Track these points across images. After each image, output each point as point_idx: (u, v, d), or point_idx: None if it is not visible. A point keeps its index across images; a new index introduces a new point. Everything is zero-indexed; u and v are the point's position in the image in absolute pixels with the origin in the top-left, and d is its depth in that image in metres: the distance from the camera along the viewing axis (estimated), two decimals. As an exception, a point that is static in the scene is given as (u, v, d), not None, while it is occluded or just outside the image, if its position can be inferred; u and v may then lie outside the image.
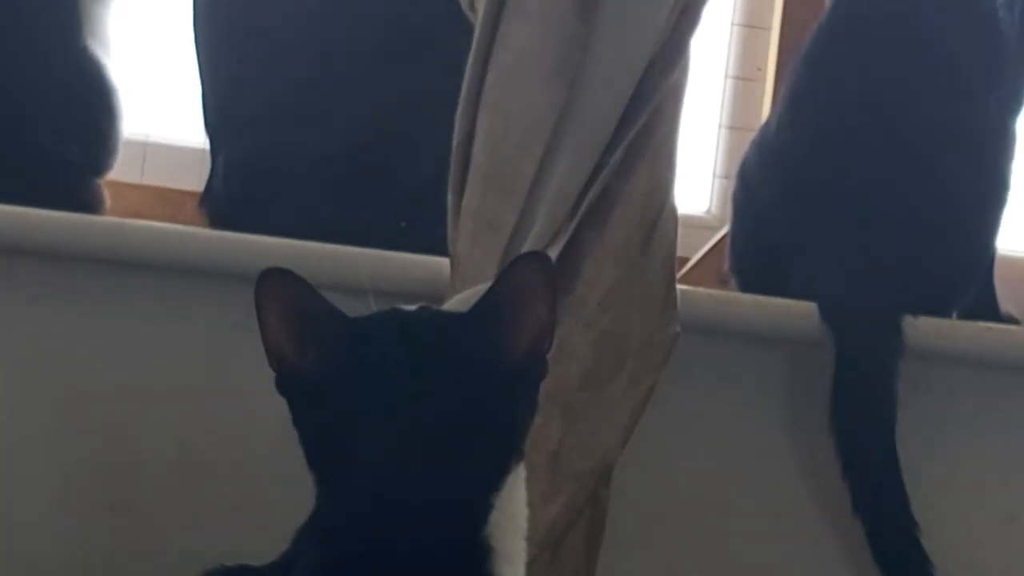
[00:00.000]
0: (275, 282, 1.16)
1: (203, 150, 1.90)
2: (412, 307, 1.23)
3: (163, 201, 2.00)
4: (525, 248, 1.50)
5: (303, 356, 1.16)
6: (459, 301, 1.49)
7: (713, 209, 2.25)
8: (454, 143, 1.54)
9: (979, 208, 1.81)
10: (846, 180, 1.76)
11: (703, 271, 2.05)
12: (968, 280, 1.81)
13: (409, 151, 1.72)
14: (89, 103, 1.80)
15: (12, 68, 1.74)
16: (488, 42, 1.54)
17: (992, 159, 1.80)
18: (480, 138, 1.53)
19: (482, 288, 1.48)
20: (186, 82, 1.91)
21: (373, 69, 1.73)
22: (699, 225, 2.13)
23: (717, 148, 2.25)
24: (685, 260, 2.01)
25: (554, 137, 1.52)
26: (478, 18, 1.55)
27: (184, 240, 1.68)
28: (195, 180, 1.91)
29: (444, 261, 1.56)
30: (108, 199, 1.82)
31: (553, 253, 1.49)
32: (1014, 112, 1.85)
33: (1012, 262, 2.02)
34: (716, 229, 2.11)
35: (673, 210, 1.59)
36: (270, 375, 1.57)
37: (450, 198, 1.55)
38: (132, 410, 1.69)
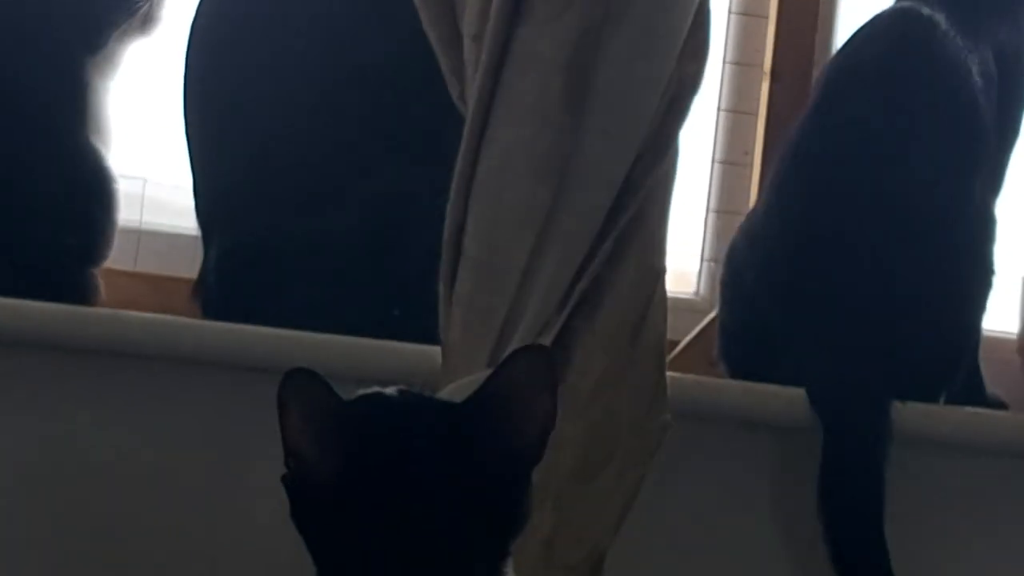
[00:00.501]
0: (299, 383, 1.17)
1: (196, 237, 1.92)
2: (391, 389, 1.24)
3: (156, 289, 2.01)
4: (516, 337, 1.52)
5: (318, 455, 1.18)
6: (454, 390, 1.50)
7: (702, 292, 2.26)
8: (445, 233, 1.56)
9: (964, 291, 1.83)
10: (832, 266, 1.78)
11: (693, 354, 2.06)
12: (955, 364, 1.83)
13: (400, 241, 1.74)
14: (88, 195, 1.82)
15: (15, 160, 1.77)
16: (479, 133, 1.56)
17: (975, 242, 1.84)
18: (471, 229, 1.55)
19: (477, 377, 1.49)
20: (179, 169, 1.93)
21: (363, 160, 1.75)
22: (688, 308, 2.14)
23: (705, 232, 2.27)
24: (675, 343, 2.02)
25: (544, 227, 1.53)
26: (468, 110, 1.57)
27: (177, 331, 1.70)
28: (188, 267, 1.93)
29: (436, 350, 1.57)
30: (102, 288, 1.84)
31: (545, 343, 1.51)
32: (994, 195, 1.89)
33: (998, 342, 2.03)
34: (705, 312, 2.11)
35: (663, 298, 1.60)
36: (264, 464, 1.58)
37: (441, 288, 1.57)
38: (127, 499, 1.70)
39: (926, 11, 1.86)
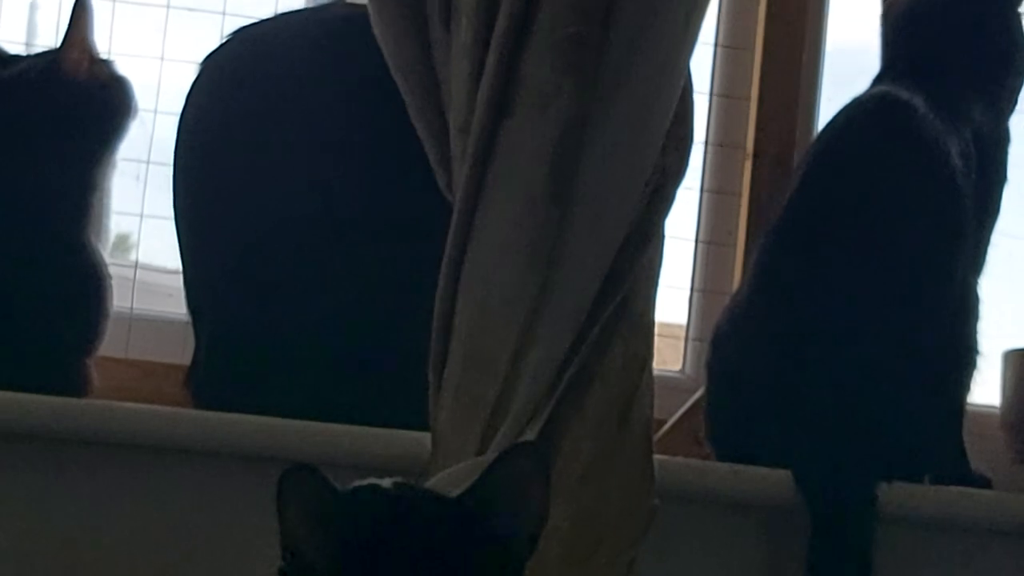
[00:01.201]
0: (297, 480, 1.19)
1: (186, 323, 1.94)
2: (387, 482, 1.26)
3: (147, 375, 2.04)
4: (506, 424, 1.53)
5: (315, 549, 1.19)
6: (444, 477, 1.52)
7: (688, 371, 2.28)
8: (434, 321, 1.57)
9: (947, 371, 1.85)
10: (816, 348, 1.80)
11: (680, 433, 2.08)
12: (939, 443, 1.86)
13: (390, 328, 1.76)
14: (84, 290, 1.88)
15: (18, 256, 1.82)
16: (467, 222, 1.57)
17: (958, 321, 1.86)
18: (460, 316, 1.57)
19: (467, 465, 1.51)
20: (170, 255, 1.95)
21: (354, 248, 1.77)
22: (674, 387, 2.15)
23: (691, 311, 2.29)
24: (661, 423, 2.04)
25: (532, 316, 1.55)
26: (456, 200, 1.59)
27: (169, 421, 1.73)
28: (178, 352, 1.95)
29: (426, 436, 1.58)
30: (95, 376, 1.87)
31: (534, 429, 1.53)
32: (976, 274, 1.91)
33: (982, 417, 2.03)
34: (691, 391, 2.13)
35: (649, 383, 1.62)
36: (256, 552, 1.59)
37: (431, 375, 1.58)
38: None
39: (905, 95, 1.89)
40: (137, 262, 2.18)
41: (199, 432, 1.71)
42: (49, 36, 2.12)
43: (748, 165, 2.28)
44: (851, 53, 2.33)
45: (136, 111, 1.96)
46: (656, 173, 1.60)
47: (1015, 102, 2.02)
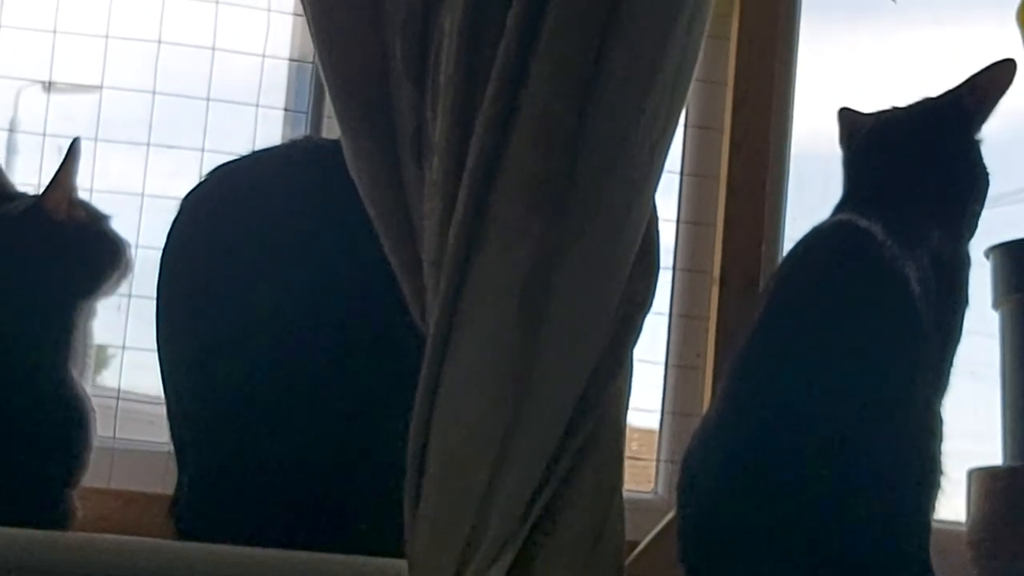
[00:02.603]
0: None
1: (168, 453, 1.97)
2: None
3: (130, 504, 2.07)
4: (481, 551, 1.56)
5: None
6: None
7: (659, 492, 2.32)
8: (409, 452, 1.61)
9: (912, 491, 1.87)
10: (783, 472, 1.83)
11: (653, 554, 2.11)
12: (905, 562, 1.87)
13: (366, 461, 1.79)
14: (67, 424, 1.92)
15: (1, 393, 1.86)
16: (440, 354, 1.61)
17: (921, 442, 1.89)
18: (433, 448, 1.60)
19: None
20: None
21: (334, 382, 1.81)
22: (647, 509, 2.19)
23: (661, 433, 2.33)
24: (635, 544, 2.07)
25: (503, 446, 1.57)
26: (429, 332, 1.63)
27: (151, 552, 1.74)
28: (160, 483, 1.98)
29: (402, 564, 1.60)
30: (78, 507, 1.90)
31: (508, 556, 1.56)
32: (939, 395, 1.94)
33: (949, 535, 2.08)
34: (663, 512, 2.17)
35: (620, 509, 1.65)
36: None
37: (407, 504, 1.61)
38: None
39: (863, 222, 1.94)
40: (120, 390, 2.23)
41: (183, 563, 1.73)
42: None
43: (715, 290, 2.33)
44: (818, 159, 2.38)
45: (119, 256, 2.01)
46: (624, 302, 1.65)
47: (974, 227, 2.08)
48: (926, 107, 2.10)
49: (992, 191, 2.08)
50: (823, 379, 1.86)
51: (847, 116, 2.16)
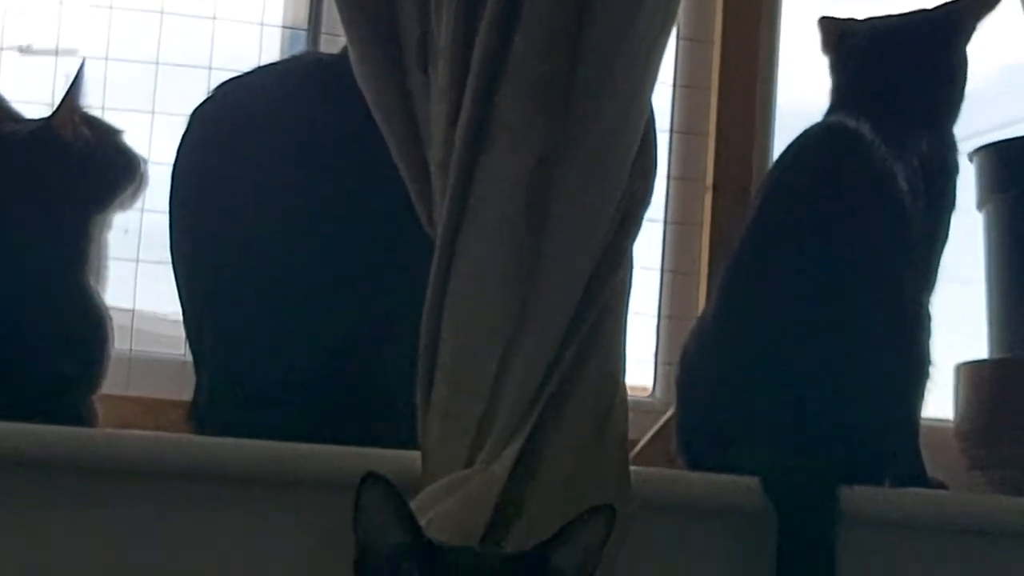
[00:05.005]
0: (375, 484, 1.35)
1: (182, 361, 2.04)
2: None
3: (149, 410, 2.12)
4: (491, 439, 1.63)
5: (387, 547, 1.33)
6: (435, 490, 1.62)
7: (658, 394, 2.37)
8: (421, 345, 1.68)
9: (903, 382, 1.94)
10: (778, 363, 1.90)
11: (651, 452, 2.16)
12: (897, 450, 1.94)
13: (380, 355, 1.85)
14: (85, 329, 1.97)
15: (20, 299, 1.92)
16: (449, 254, 1.68)
17: (910, 336, 1.94)
18: (445, 340, 1.67)
19: (454, 478, 1.61)
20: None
21: (345, 282, 1.85)
22: (645, 409, 2.24)
23: (658, 337, 2.39)
24: (634, 442, 2.13)
25: (512, 337, 1.65)
26: (438, 232, 1.69)
27: (174, 447, 1.81)
28: (176, 389, 2.04)
29: (415, 455, 1.68)
30: (100, 412, 1.97)
31: (518, 443, 1.63)
32: (927, 292, 2.00)
33: (938, 430, 2.13)
34: (661, 412, 2.22)
35: (623, 399, 1.71)
36: (259, 572, 1.70)
37: (419, 396, 1.68)
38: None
39: (852, 124, 1.99)
40: (135, 310, 2.29)
41: (204, 457, 1.79)
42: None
43: (708, 197, 2.38)
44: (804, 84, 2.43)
45: (133, 170, 2.07)
46: (624, 199, 1.71)
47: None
48: (922, 17, 2.14)
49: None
50: (814, 276, 1.92)
51: (830, 23, 2.19)
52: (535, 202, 1.66)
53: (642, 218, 1.73)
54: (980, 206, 2.25)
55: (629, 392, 1.74)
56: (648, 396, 2.38)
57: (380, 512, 1.33)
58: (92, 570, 1.80)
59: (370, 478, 1.33)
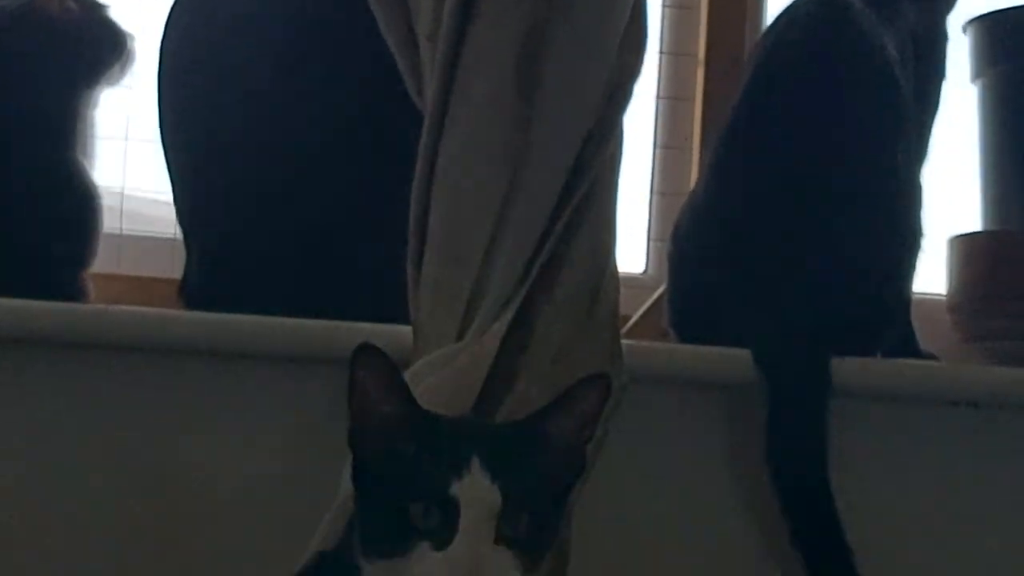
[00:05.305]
0: (369, 355, 1.33)
1: (172, 240, 2.03)
2: None
3: (139, 288, 2.13)
4: (481, 313, 1.63)
5: (382, 417, 1.33)
6: (427, 363, 1.62)
7: (649, 270, 2.37)
8: (411, 219, 1.67)
9: (894, 254, 1.93)
10: (769, 236, 1.89)
11: (643, 327, 2.17)
12: (888, 320, 1.94)
13: (369, 230, 1.84)
14: (74, 205, 1.99)
15: (14, 176, 1.93)
16: (438, 126, 1.66)
17: (903, 208, 1.94)
18: (434, 214, 1.66)
19: (446, 351, 1.61)
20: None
21: (331, 156, 1.85)
22: (637, 285, 2.24)
23: (651, 213, 2.39)
24: (627, 318, 2.13)
25: (502, 210, 1.64)
26: (427, 105, 1.68)
27: (165, 322, 1.81)
28: (166, 268, 2.04)
29: (406, 329, 1.68)
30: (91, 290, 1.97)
31: (508, 316, 1.63)
32: (919, 164, 1.99)
33: (930, 303, 2.14)
34: (653, 289, 2.22)
35: (615, 272, 1.71)
36: (250, 445, 1.70)
37: (410, 270, 1.68)
38: (119, 487, 1.81)
39: (842, -6, 1.98)
40: (124, 191, 2.28)
41: (196, 332, 1.79)
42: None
43: (700, 72, 2.37)
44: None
45: (120, 46, 2.04)
46: (614, 72, 1.69)
47: (952, 4, 2.11)
48: None
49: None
50: (805, 146, 1.90)
51: None
52: (525, 72, 1.65)
53: (632, 90, 1.72)
54: (974, 79, 2.24)
55: (621, 269, 1.74)
56: (640, 272, 2.38)
57: (375, 382, 1.32)
58: (83, 445, 1.81)
59: (365, 348, 1.33)
